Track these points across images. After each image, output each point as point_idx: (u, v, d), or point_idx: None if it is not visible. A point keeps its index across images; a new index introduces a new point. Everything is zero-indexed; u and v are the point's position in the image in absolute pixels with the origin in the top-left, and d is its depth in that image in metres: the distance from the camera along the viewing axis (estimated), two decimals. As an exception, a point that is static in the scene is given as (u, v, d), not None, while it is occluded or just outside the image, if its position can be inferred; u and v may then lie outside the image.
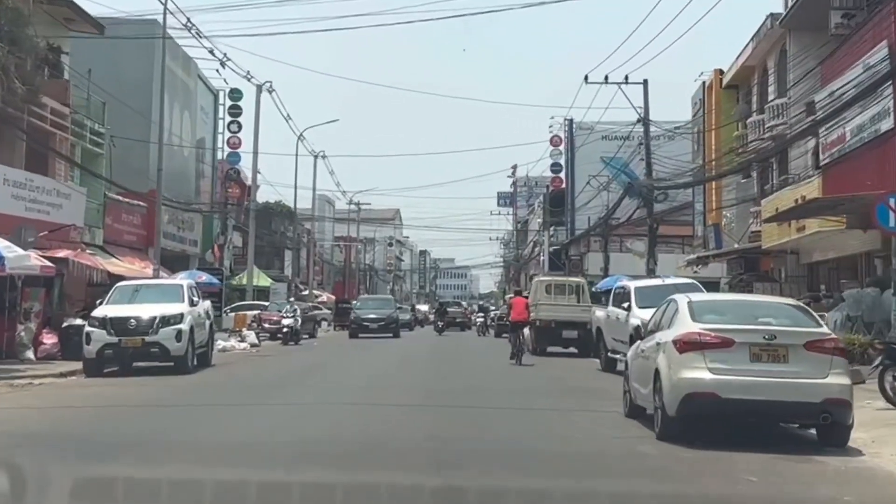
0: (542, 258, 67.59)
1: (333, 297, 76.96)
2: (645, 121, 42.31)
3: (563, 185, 65.07)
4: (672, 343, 11.33)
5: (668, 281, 21.61)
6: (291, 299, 43.12)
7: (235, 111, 54.23)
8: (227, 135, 54.48)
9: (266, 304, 44.93)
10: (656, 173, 43.91)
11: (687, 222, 54.71)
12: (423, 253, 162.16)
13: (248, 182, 60.27)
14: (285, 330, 35.30)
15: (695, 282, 21.88)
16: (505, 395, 17.43)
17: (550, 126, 64.13)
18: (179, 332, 20.39)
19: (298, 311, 36.93)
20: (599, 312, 23.46)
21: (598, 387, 19.05)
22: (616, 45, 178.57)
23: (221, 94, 54.26)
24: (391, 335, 43.76)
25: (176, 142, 44.66)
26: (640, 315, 19.98)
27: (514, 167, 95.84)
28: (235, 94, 54.00)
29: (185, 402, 15.92)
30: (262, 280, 53.20)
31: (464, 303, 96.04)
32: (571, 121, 63.67)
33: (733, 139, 42.62)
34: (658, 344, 11.91)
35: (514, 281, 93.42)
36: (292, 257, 75.75)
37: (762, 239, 36.81)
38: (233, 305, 45.04)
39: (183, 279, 27.14)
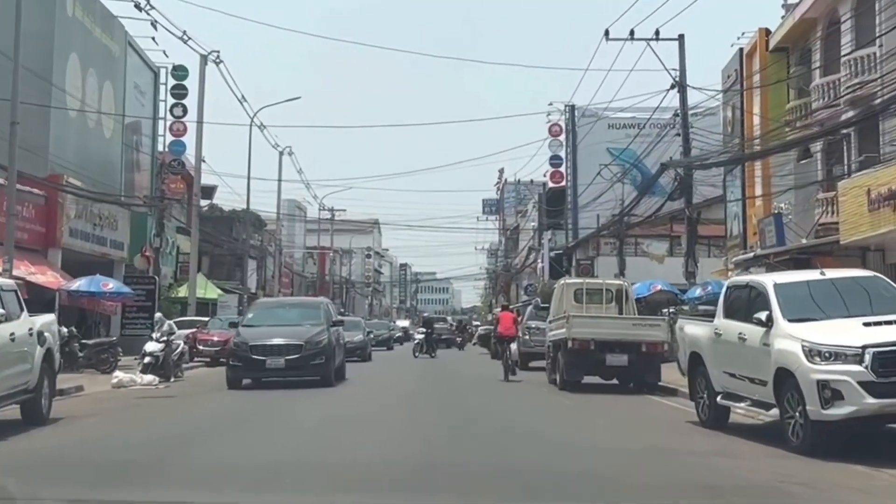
0: (539, 265, 58.14)
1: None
2: (681, 85, 33.04)
3: (564, 181, 55.70)
4: None
5: (833, 274, 12.16)
6: (158, 314, 26.60)
7: (180, 92, 44.68)
8: (170, 120, 44.92)
9: (206, 319, 35.34)
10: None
11: (711, 220, 45.80)
12: (404, 266, 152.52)
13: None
14: (147, 360, 22.43)
15: (877, 275, 12.47)
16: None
17: (548, 114, 55.02)
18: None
19: (176, 334, 24.71)
20: (694, 329, 13.99)
21: (727, 468, 9.87)
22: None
23: (164, 71, 44.78)
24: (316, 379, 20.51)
25: (94, 117, 35.16)
26: (794, 333, 10.73)
27: (502, 171, 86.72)
28: (179, 71, 44.48)
29: None
30: (211, 291, 43.64)
31: (449, 318, 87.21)
32: (573, 107, 54.49)
33: (786, 112, 33.52)
34: None
35: (502, 293, 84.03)
36: (256, 267, 66.31)
37: (841, 231, 27.41)
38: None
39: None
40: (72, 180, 30.43)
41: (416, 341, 40.30)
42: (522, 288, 68.15)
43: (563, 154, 55.50)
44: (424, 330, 40.90)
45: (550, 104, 54.30)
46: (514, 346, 25.05)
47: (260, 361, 20.32)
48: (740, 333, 12.17)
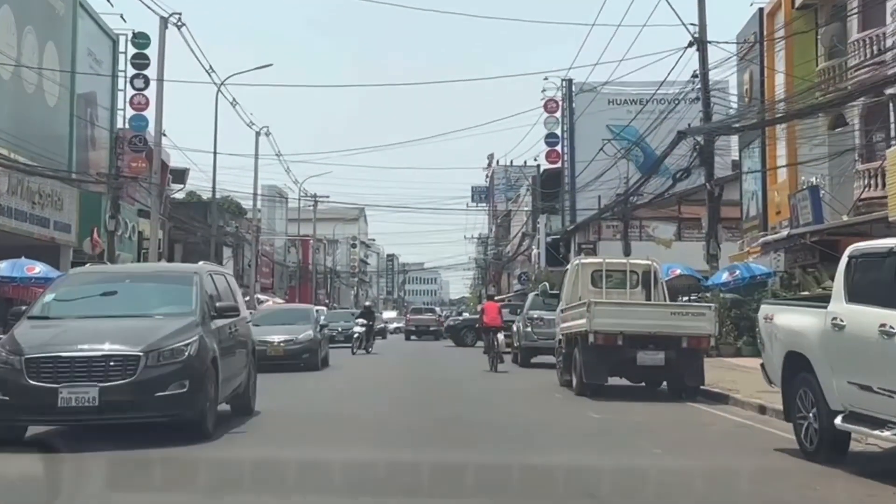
0: (534, 251, 53.81)
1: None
2: (701, 42, 28.80)
3: (560, 161, 51.35)
4: None
5: None
6: None
7: (141, 62, 40.21)
8: (131, 92, 40.46)
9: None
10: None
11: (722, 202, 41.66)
12: (391, 257, 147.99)
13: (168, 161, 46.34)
14: None
15: None
16: None
17: (543, 90, 50.64)
18: None
19: None
20: (794, 318, 9.62)
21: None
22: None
23: (123, 39, 40.33)
24: None
25: (33, 81, 30.69)
26: None
27: (491, 156, 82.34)
28: (141, 39, 39.97)
29: None
30: (175, 280, 39.14)
31: (437, 308, 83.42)
32: (570, 81, 50.16)
33: (817, 74, 29.35)
34: None
35: (493, 283, 79.69)
36: (233, 255, 61.93)
37: (890, 207, 23.27)
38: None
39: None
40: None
41: (354, 335, 31.67)
42: (515, 277, 63.87)
43: (559, 132, 51.15)
44: (364, 321, 32.24)
45: (546, 78, 49.87)
46: (500, 336, 23.30)
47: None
48: (883, 325, 7.91)
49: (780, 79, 32.78)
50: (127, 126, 40.83)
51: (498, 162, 57.67)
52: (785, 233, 27.91)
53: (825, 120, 29.76)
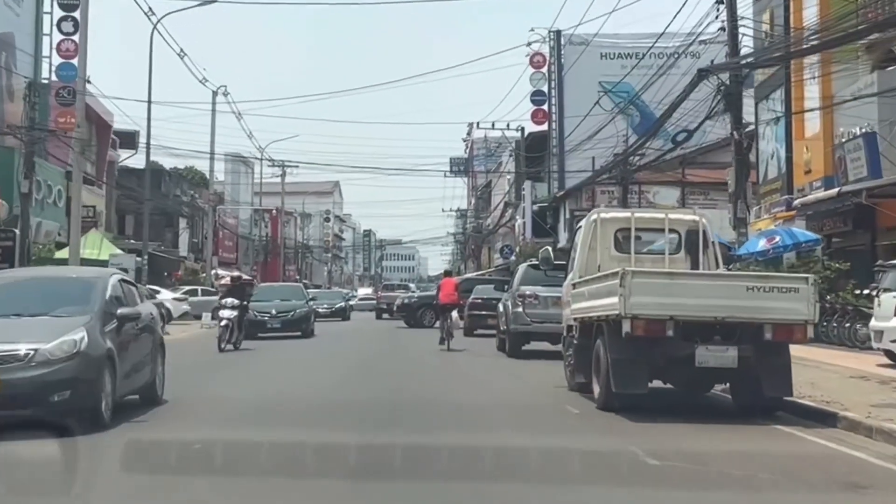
0: (518, 222, 48.31)
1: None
2: (728, -42, 23.27)
3: (548, 122, 45.78)
4: None
5: None
6: None
7: (70, 2, 34.33)
8: (58, 38, 34.70)
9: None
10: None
11: (723, 164, 36.73)
12: (368, 233, 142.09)
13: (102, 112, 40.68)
14: None
15: None
16: None
17: (528, 43, 45.05)
18: None
19: None
20: None
21: None
22: None
23: (49, -24, 34.61)
24: None
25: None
26: None
27: (471, 125, 76.59)
28: (68, -25, 34.17)
29: None
30: (107, 250, 33.52)
31: (412, 284, 78.18)
32: (559, 33, 44.56)
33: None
34: None
35: (472, 257, 74.28)
36: (189, 227, 56.36)
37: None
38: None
39: None
40: None
41: (222, 322, 21.21)
42: (497, 251, 58.43)
43: (546, 89, 45.54)
44: (235, 301, 21.74)
45: (532, 30, 44.35)
46: (454, 314, 22.47)
47: None
48: None
49: (810, 13, 27.33)
50: (54, 77, 35.18)
51: (478, 125, 52.03)
52: (831, 191, 22.49)
53: (869, 56, 24.50)
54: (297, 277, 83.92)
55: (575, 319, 12.42)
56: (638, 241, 12.81)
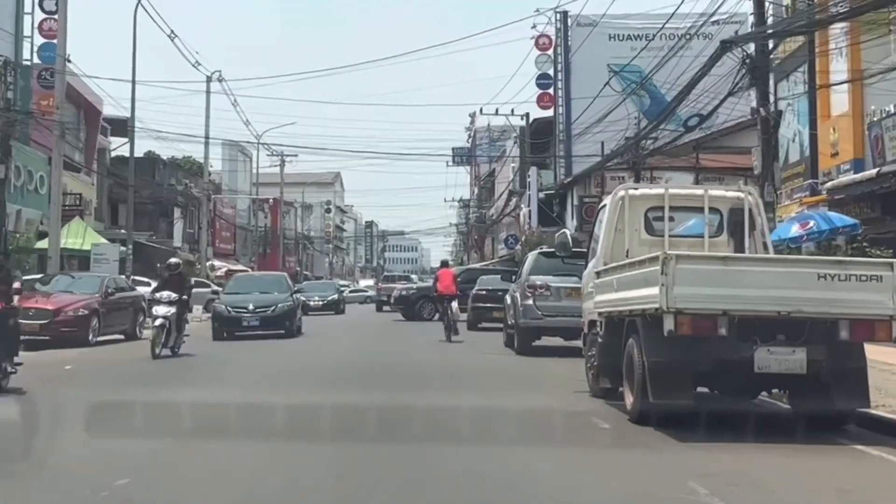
0: (522, 210, 46.38)
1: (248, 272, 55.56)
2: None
3: (554, 106, 43.81)
4: None
5: None
6: None
7: (52, -21, 32.44)
8: (40, 16, 32.88)
9: (43, 277, 23.26)
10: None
11: (739, 149, 35.15)
12: (370, 224, 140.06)
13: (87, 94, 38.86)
14: None
15: None
16: None
17: (533, 26, 43.13)
18: None
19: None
20: None
21: None
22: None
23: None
24: None
25: None
26: None
27: (474, 114, 74.64)
28: (50, -50, 32.25)
29: None
30: (91, 240, 31.62)
31: (414, 276, 76.34)
32: (565, 14, 42.56)
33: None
34: None
35: (476, 248, 72.32)
36: (182, 217, 54.52)
37: None
38: None
39: None
40: None
41: (156, 322, 16.93)
42: (501, 241, 56.47)
43: (552, 72, 43.53)
44: (173, 295, 17.37)
45: (537, 11, 42.37)
46: (454, 304, 22.12)
47: None
48: None
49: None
50: (35, 58, 33.34)
51: (482, 110, 50.04)
52: (868, 173, 20.55)
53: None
54: (298, 269, 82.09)
55: (600, 314, 10.51)
56: (671, 221, 10.91)
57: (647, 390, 8.64)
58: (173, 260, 19.74)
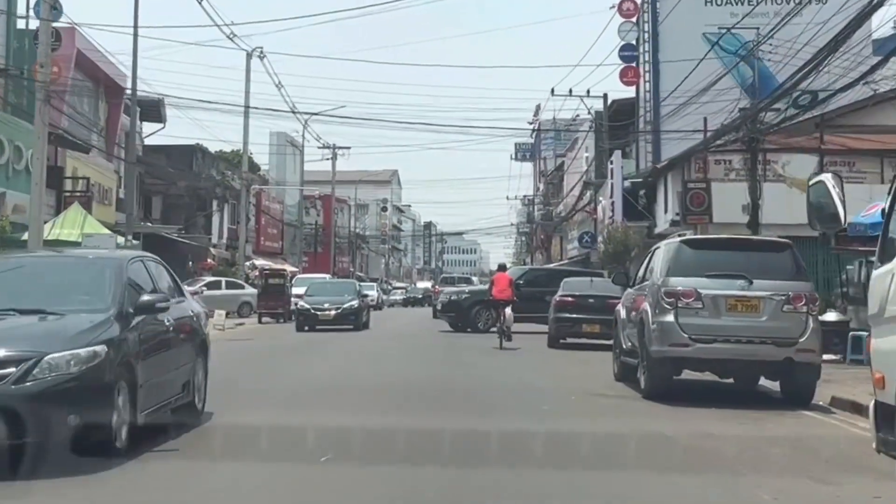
0: (601, 203, 39.87)
1: (296, 271, 49.78)
2: None
3: (639, 83, 37.27)
4: None
5: None
6: None
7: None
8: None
9: None
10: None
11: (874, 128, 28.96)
12: (429, 225, 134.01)
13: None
14: None
15: None
16: None
17: (616, -10, 36.60)
18: None
19: None
20: None
21: None
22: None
23: None
24: None
25: None
26: None
27: (538, 107, 68.23)
28: None
29: None
30: (91, 230, 25.80)
31: (475, 278, 70.32)
32: (654, -27, 36.06)
33: None
34: None
35: (541, 248, 65.83)
36: (220, 210, 48.94)
37: None
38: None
39: None
40: None
41: None
42: (571, 240, 50.00)
43: (638, 43, 37.02)
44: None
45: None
46: (508, 310, 20.32)
47: None
48: None
49: None
50: (31, 14, 27.74)
51: (553, 92, 43.08)
52: None
53: None
54: (351, 269, 76.22)
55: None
56: None
57: None
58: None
